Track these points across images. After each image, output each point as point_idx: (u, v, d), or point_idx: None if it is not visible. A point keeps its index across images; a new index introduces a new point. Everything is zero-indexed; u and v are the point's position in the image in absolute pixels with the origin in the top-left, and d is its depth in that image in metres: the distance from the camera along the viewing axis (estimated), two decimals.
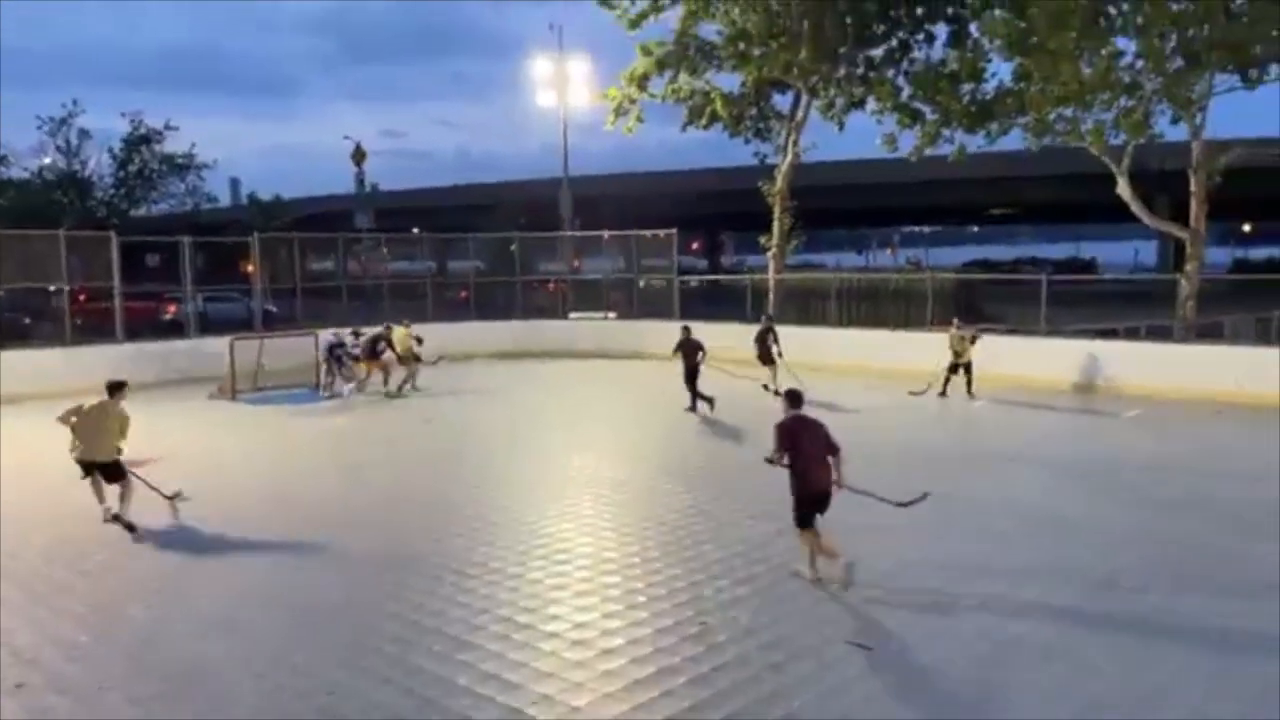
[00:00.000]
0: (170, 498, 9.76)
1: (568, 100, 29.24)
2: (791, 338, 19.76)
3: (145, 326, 23.34)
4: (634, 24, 24.22)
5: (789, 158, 24.95)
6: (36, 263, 20.09)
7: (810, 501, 7.35)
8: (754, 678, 5.83)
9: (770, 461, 7.48)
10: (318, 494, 10.87)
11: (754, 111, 25.40)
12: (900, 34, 23.32)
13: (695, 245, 72.09)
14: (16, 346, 19.04)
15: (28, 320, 21.18)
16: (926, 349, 18.04)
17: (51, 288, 20.26)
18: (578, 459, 12.54)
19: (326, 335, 18.91)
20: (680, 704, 5.46)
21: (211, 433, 14.93)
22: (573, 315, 26.21)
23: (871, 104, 23.52)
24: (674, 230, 25.60)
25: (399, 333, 19.04)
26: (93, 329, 20.98)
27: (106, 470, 9.44)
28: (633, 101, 25.13)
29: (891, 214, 78.54)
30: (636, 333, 24.16)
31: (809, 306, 24.75)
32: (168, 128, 42.28)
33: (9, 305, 20.16)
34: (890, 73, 23.37)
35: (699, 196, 51.81)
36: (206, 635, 6.60)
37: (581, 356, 23.69)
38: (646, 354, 22.82)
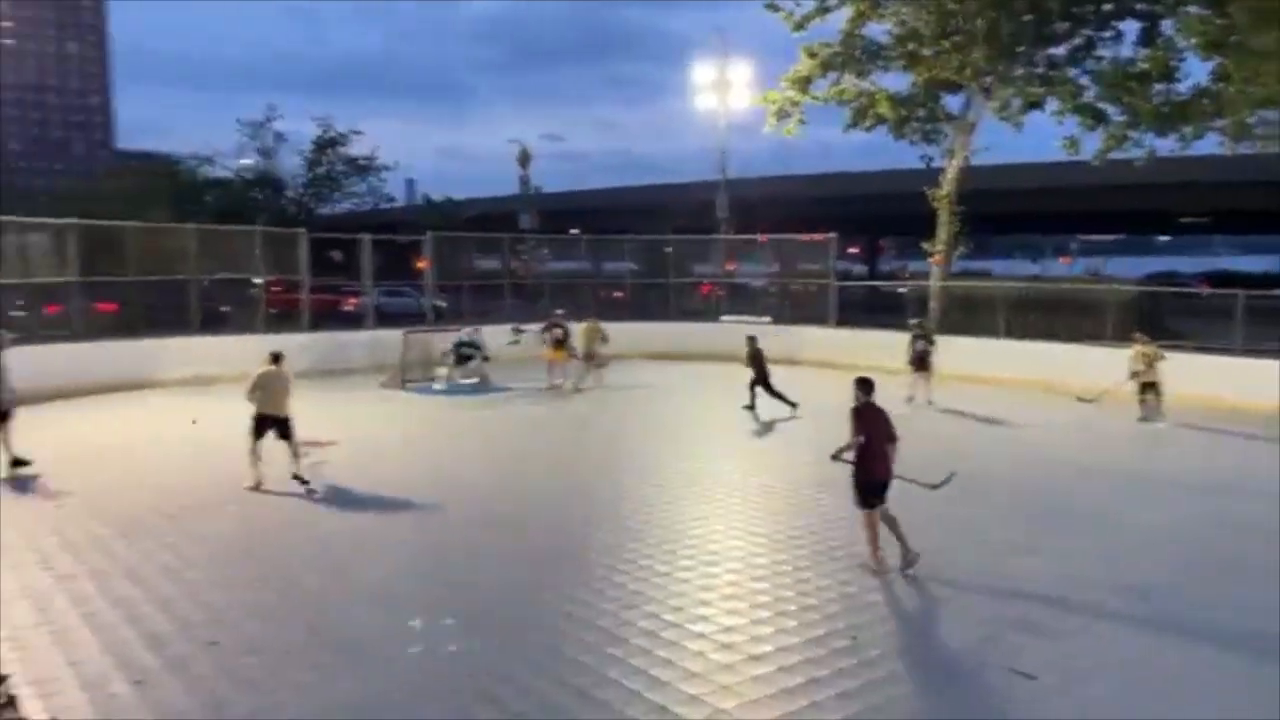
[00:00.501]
0: (305, 482, 10.50)
1: (728, 103, 29.26)
2: (954, 348, 19.11)
3: (328, 317, 24.97)
4: (799, 26, 24.00)
5: (957, 160, 24.08)
6: (235, 256, 21.86)
7: (874, 489, 7.71)
8: (906, 696, 5.68)
9: (836, 457, 7.93)
10: (476, 481, 11.31)
11: (921, 113, 24.64)
12: (1085, 31, 22.09)
13: (854, 249, 70.55)
14: (215, 332, 20.72)
15: (226, 309, 22.98)
16: (1103, 364, 16.98)
17: (249, 279, 21.93)
18: (729, 463, 12.54)
19: (457, 333, 19.63)
20: (828, 716, 5.38)
21: (382, 419, 15.79)
22: (725, 318, 26.15)
23: (1052, 104, 22.40)
24: (832, 234, 25.17)
25: (582, 328, 19.29)
26: (282, 318, 22.60)
27: (282, 426, 10.66)
28: (794, 104, 24.88)
29: (1068, 220, 74.10)
30: (790, 338, 23.86)
31: (974, 316, 23.76)
32: (353, 132, 45.12)
33: (211, 295, 21.93)
34: (1073, 72, 22.18)
35: (859, 200, 50.65)
36: (374, 608, 7.02)
37: (733, 360, 23.55)
38: (800, 359, 22.55)
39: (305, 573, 7.81)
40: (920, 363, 17.09)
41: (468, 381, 18.82)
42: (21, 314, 18.31)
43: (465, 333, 19.67)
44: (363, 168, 46.35)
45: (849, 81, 24.34)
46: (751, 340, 16.78)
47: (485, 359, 19.27)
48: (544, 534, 9.11)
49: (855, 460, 7.77)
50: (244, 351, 19.92)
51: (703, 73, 30.02)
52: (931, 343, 17.37)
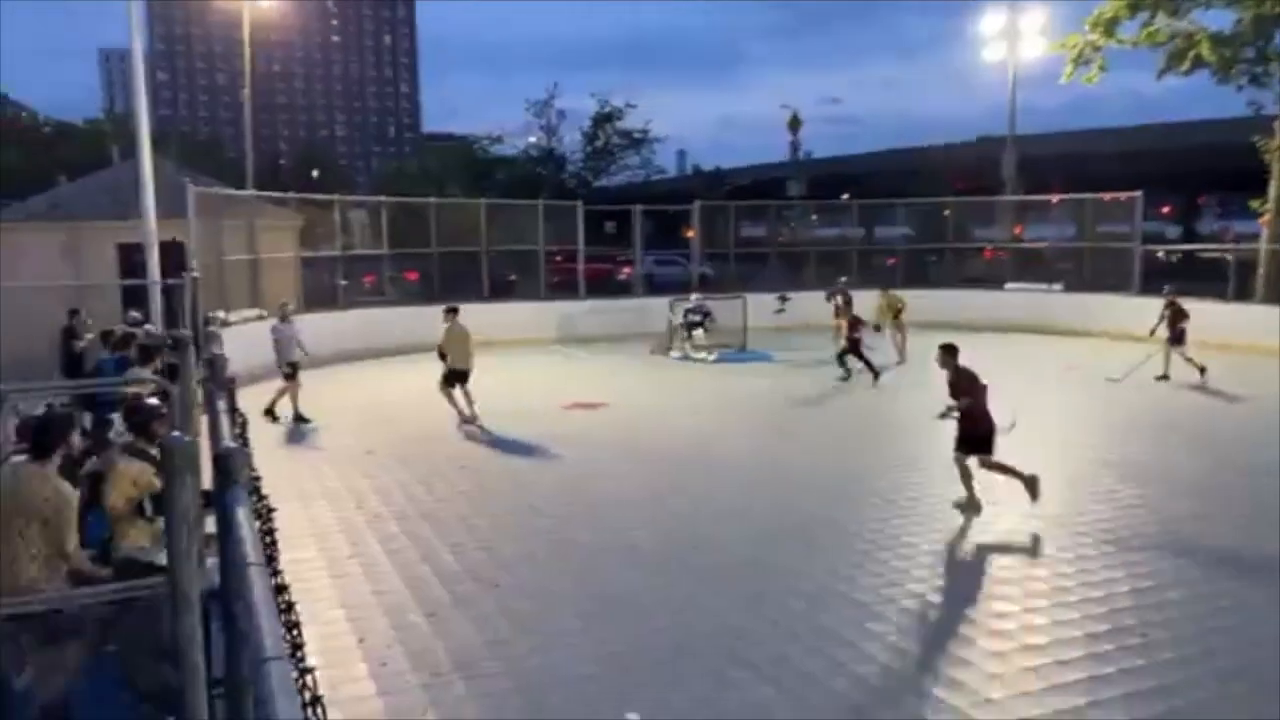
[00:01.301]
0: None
1: (1018, 53, 27.13)
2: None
3: (602, 286, 26.15)
4: None
5: None
6: (520, 228, 23.44)
7: (979, 441, 8.37)
8: (1203, 703, 5.08)
9: (945, 415, 8.61)
10: (738, 448, 11.39)
11: (1250, 53, 21.48)
12: None
13: (1166, 209, 63.23)
14: (503, 299, 22.37)
15: (512, 278, 24.70)
16: None
17: (532, 250, 23.48)
18: (1007, 441, 11.74)
19: (686, 303, 19.58)
20: (1109, 715, 4.93)
21: (649, 384, 16.30)
22: (1010, 286, 24.40)
23: None
24: (1138, 193, 22.62)
25: (880, 300, 18.47)
26: (562, 286, 24.01)
27: (467, 378, 12.07)
28: (1096, 49, 22.59)
29: None
30: (1084, 307, 21.88)
31: None
32: (628, 105, 46.69)
33: (499, 265, 23.67)
34: None
35: (1173, 155, 45.23)
36: (634, 567, 7.31)
37: (1017, 330, 21.98)
38: (1094, 331, 20.66)
39: (578, 530, 8.26)
40: (1178, 335, 15.07)
41: (700, 352, 18.77)
42: (344, 282, 20.71)
43: (694, 300, 19.67)
44: (637, 141, 47.88)
45: (1162, 21, 21.70)
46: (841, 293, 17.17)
47: (710, 328, 19.08)
48: (804, 504, 9.03)
49: (964, 418, 8.49)
50: (528, 318, 21.53)
51: (992, 21, 28.02)
52: (1183, 314, 15.15)
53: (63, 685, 4.39)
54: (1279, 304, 19.17)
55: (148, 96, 15.92)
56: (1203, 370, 15.06)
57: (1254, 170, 21.92)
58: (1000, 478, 8.63)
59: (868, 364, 15.65)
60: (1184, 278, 23.15)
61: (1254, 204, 22.15)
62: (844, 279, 19.70)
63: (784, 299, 21.11)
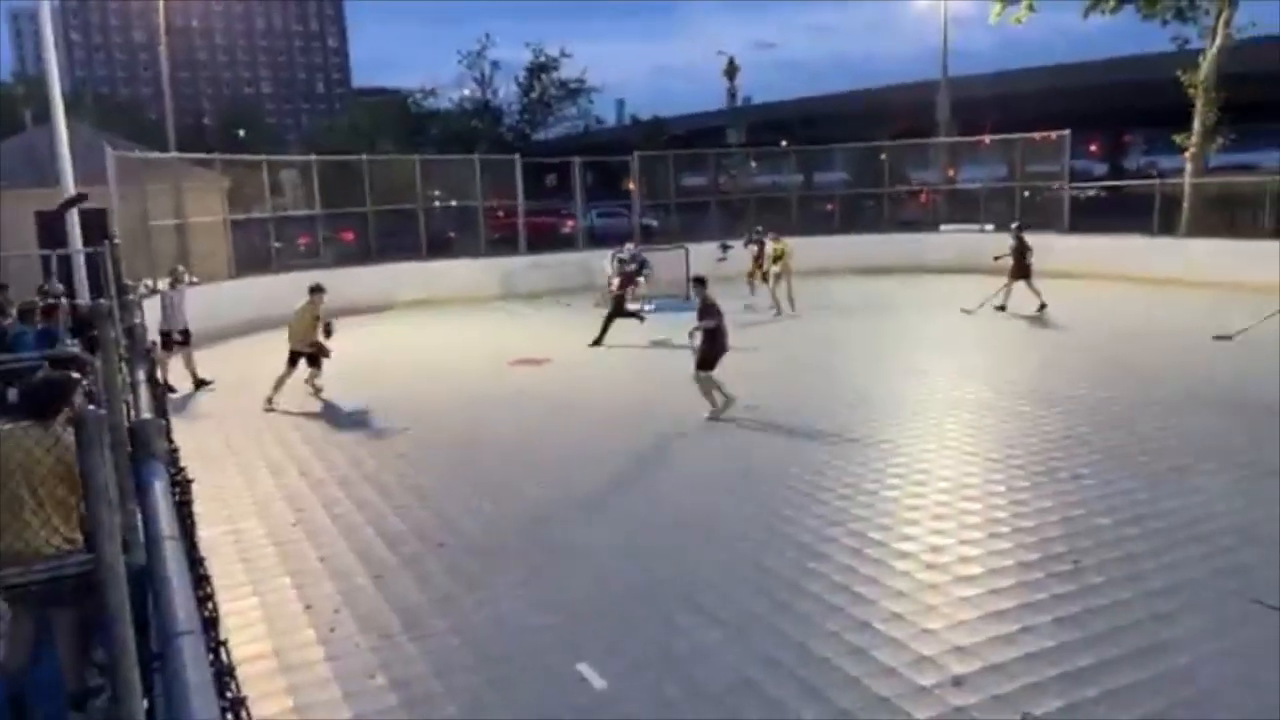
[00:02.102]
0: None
1: None
2: (1211, 251, 17.30)
3: (545, 240, 25.90)
4: None
5: (1218, 40, 21.25)
6: (457, 184, 23.06)
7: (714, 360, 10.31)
8: (1133, 625, 5.31)
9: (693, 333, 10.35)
10: (678, 399, 11.47)
11: None
12: None
13: (1093, 148, 64.36)
14: (442, 257, 22.05)
15: (451, 234, 24.32)
16: None
17: (469, 206, 23.12)
18: (942, 379, 12.03)
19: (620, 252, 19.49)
20: (1043, 641, 5.13)
21: (592, 337, 16.22)
22: (944, 228, 24.75)
23: None
24: (1066, 131, 23.01)
25: (770, 246, 18.51)
26: (502, 242, 23.73)
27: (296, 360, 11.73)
28: None
29: None
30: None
31: (1236, 216, 21.24)
32: (563, 54, 45.99)
33: (437, 222, 23.29)
34: None
35: (1099, 92, 45.94)
36: (581, 519, 7.37)
37: (952, 272, 22.36)
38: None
39: (524, 484, 8.28)
40: (1023, 269, 16.42)
41: (635, 303, 18.67)
42: (278, 245, 20.20)
43: (626, 250, 19.50)
44: (574, 91, 47.25)
45: None
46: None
47: (645, 277, 19.04)
48: (746, 450, 9.17)
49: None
50: (468, 275, 21.28)
51: None
52: (1029, 248, 16.56)
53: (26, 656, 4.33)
54: (1202, 237, 19.78)
55: (59, 57, 15.24)
56: (1042, 306, 16.18)
57: (1178, 105, 22.38)
58: (931, 421, 8.83)
59: (604, 326, 15.14)
60: (1111, 213, 23.80)
61: (1178, 139, 22.66)
62: (760, 227, 19.75)
63: (725, 247, 21.14)
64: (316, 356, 11.76)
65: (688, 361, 13.24)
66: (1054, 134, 23.17)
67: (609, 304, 18.42)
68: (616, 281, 15.52)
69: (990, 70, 45.73)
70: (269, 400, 11.35)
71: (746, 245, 19.05)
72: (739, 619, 5.53)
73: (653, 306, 18.53)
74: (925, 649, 5.10)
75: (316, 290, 11.85)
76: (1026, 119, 27.59)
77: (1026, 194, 23.92)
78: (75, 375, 4.92)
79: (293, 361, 11.59)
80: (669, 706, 4.66)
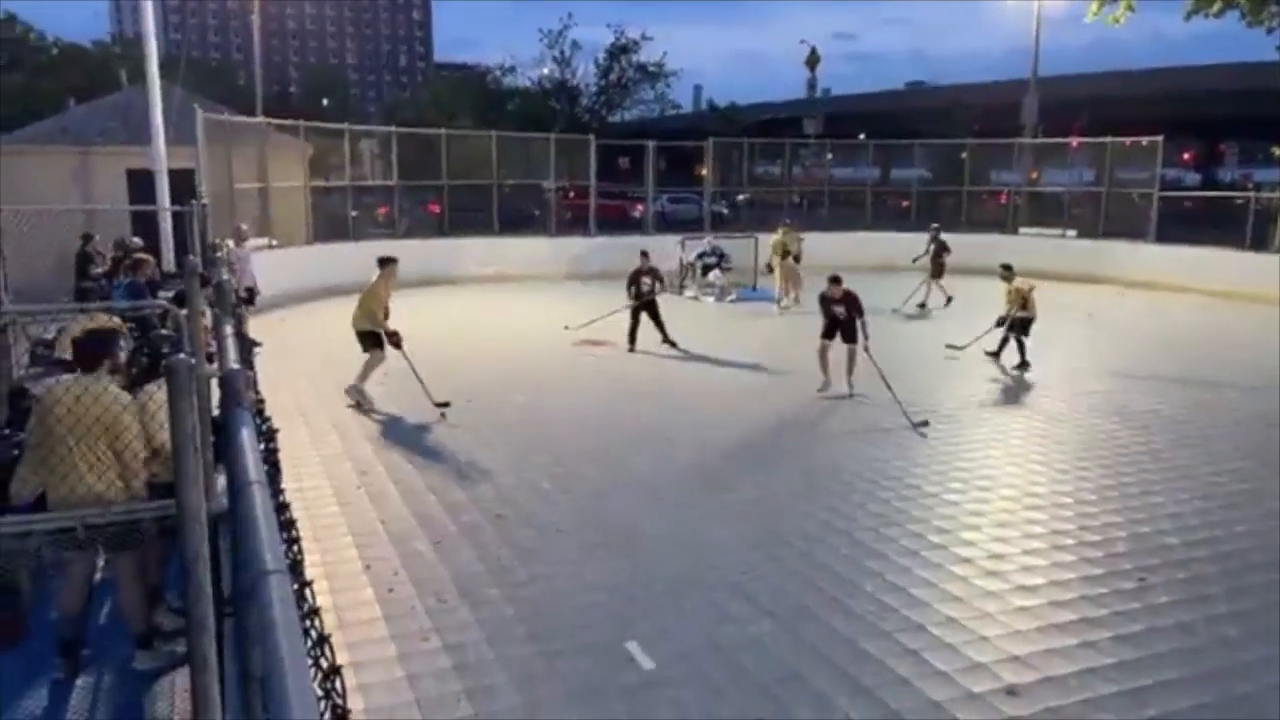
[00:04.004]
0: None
1: None
2: None
3: (615, 222, 25.95)
4: None
5: None
6: (533, 162, 23.21)
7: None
8: (1197, 649, 5.16)
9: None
10: (746, 387, 11.43)
11: None
12: None
13: (1186, 156, 62.11)
14: (513, 234, 22.25)
15: (536, 212, 24.39)
16: None
17: (544, 184, 23.27)
18: (1011, 385, 11.77)
19: (698, 243, 19.63)
20: (1103, 658, 5.02)
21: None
22: (1024, 230, 24.13)
23: None
24: (1159, 138, 22.25)
25: (775, 236, 18.29)
26: (573, 222, 23.83)
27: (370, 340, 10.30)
28: None
29: None
30: (1097, 254, 21.70)
31: None
32: (643, 38, 45.88)
33: (510, 198, 23.47)
34: None
35: (1197, 99, 44.23)
36: (639, 501, 7.40)
37: (1028, 275, 21.74)
38: (1104, 278, 20.53)
39: (583, 465, 8.34)
40: (938, 269, 17.03)
41: (708, 293, 18.73)
42: (354, 214, 20.60)
43: (708, 243, 19.67)
44: (652, 75, 47.12)
45: None
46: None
47: (726, 269, 19.12)
48: (807, 446, 9.11)
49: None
50: (537, 253, 21.46)
51: None
52: (946, 248, 17.30)
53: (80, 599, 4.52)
54: None
55: (157, 20, 15.69)
56: (949, 300, 17.14)
57: (1279, 116, 21.49)
58: (998, 427, 8.65)
59: (630, 333, 13.50)
60: (1201, 224, 22.91)
61: (1277, 150, 21.75)
62: (788, 220, 19.50)
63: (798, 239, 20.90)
64: (381, 340, 10.11)
65: (753, 350, 13.21)
66: (1145, 139, 22.42)
67: (675, 291, 18.38)
68: (648, 283, 13.52)
69: (1080, 71, 44.41)
70: (356, 394, 10.01)
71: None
72: (791, 612, 5.51)
73: (734, 296, 18.50)
74: (980, 656, 5.03)
75: (387, 261, 10.39)
76: (1117, 123, 26.73)
77: (1114, 200, 23.17)
78: (115, 328, 5.11)
79: (372, 343, 10.14)
80: (717, 694, 4.67)
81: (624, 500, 7.42)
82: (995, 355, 12.84)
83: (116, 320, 5.42)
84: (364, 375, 10.13)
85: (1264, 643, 5.24)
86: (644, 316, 13.51)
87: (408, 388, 10.08)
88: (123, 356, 4.75)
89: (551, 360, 12.72)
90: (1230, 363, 13.13)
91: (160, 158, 14.91)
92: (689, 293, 19.01)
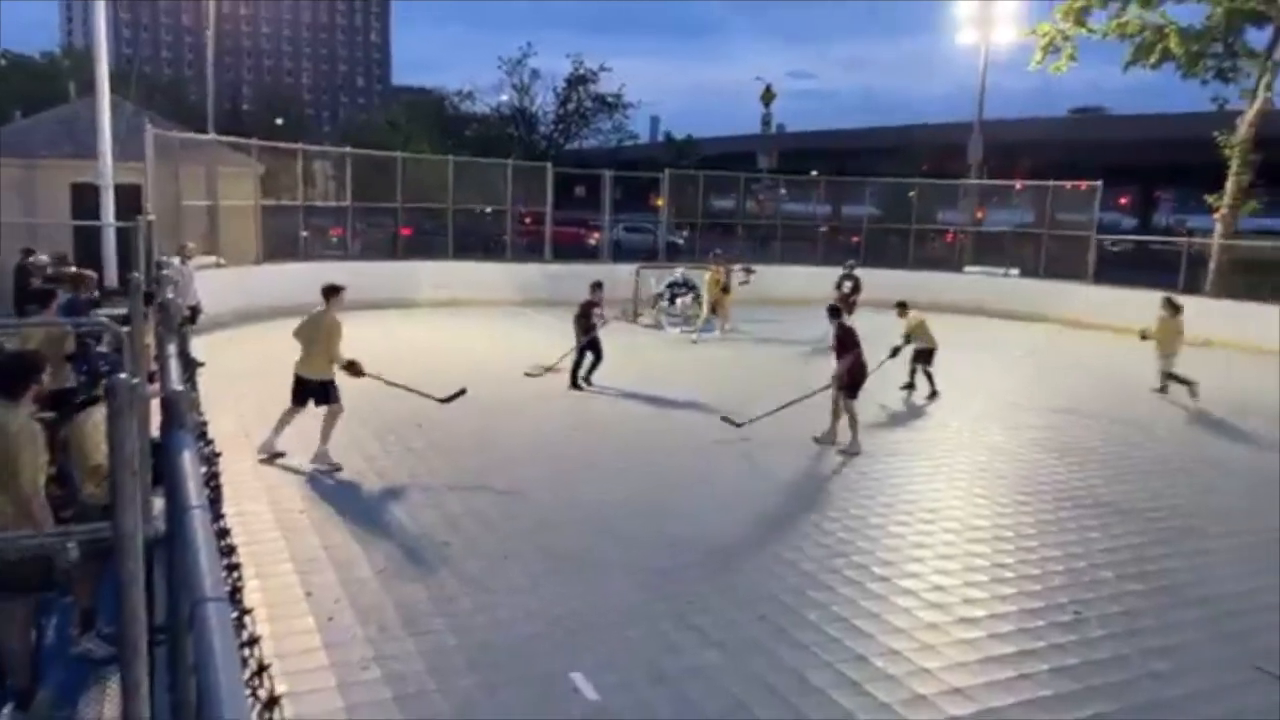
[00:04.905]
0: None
1: (989, 38, 27.26)
2: (1230, 315, 17.21)
3: (570, 250, 25.98)
4: None
5: (1258, 103, 21.22)
6: (488, 188, 23.19)
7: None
8: (1130, 683, 5.28)
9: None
10: (697, 420, 11.47)
11: (1218, 48, 21.85)
12: None
13: (1123, 200, 64.18)
14: (469, 258, 22.15)
15: (505, 237, 24.20)
16: None
17: (499, 210, 23.23)
18: (955, 420, 11.99)
19: (664, 272, 19.88)
20: (1039, 690, 5.11)
21: (611, 349, 16.23)
22: (969, 269, 24.70)
23: None
24: (1098, 182, 22.98)
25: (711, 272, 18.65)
26: (529, 249, 23.82)
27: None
28: (1066, 38, 22.81)
29: None
30: (1038, 293, 22.29)
31: (1266, 281, 21.06)
32: (602, 69, 46.34)
33: (465, 223, 23.37)
34: None
35: (1134, 146, 45.87)
36: (588, 529, 7.37)
37: (972, 313, 22.30)
38: (1049, 317, 21.08)
39: (533, 491, 8.29)
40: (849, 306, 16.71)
41: (674, 322, 18.91)
42: (305, 234, 20.37)
43: (680, 274, 19.87)
44: (610, 105, 47.55)
45: (1133, 13, 21.96)
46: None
47: (696, 299, 19.33)
48: (753, 478, 9.17)
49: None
50: (492, 278, 21.39)
51: (965, 7, 28.09)
52: (859, 288, 17.51)
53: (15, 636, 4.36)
54: (1227, 298, 19.67)
55: (108, 33, 15.46)
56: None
57: (1213, 165, 22.32)
58: (941, 461, 8.80)
59: (573, 370, 13.04)
60: (1137, 267, 23.67)
61: (1210, 199, 22.58)
62: (718, 251, 19.93)
63: (749, 270, 21.15)
64: (329, 391, 8.71)
65: (706, 379, 13.29)
66: (1086, 184, 23.14)
67: (630, 319, 18.45)
68: (601, 314, 13.40)
69: (1023, 114, 45.78)
70: (267, 450, 8.69)
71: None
72: (736, 643, 5.52)
73: (696, 337, 18.38)
74: (922, 688, 5.09)
75: (332, 291, 8.94)
76: (1057, 167, 27.56)
77: (1054, 241, 23.83)
78: (40, 353, 4.98)
79: (300, 397, 8.78)
80: None
81: (572, 529, 7.39)
82: (909, 388, 13.26)
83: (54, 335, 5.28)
84: (327, 435, 8.65)
85: (1196, 676, 5.38)
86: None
87: (359, 408, 9.93)
88: (46, 380, 4.62)
89: (503, 386, 12.64)
90: (1165, 402, 13.51)
91: (107, 172, 14.65)
92: (645, 320, 19.08)
